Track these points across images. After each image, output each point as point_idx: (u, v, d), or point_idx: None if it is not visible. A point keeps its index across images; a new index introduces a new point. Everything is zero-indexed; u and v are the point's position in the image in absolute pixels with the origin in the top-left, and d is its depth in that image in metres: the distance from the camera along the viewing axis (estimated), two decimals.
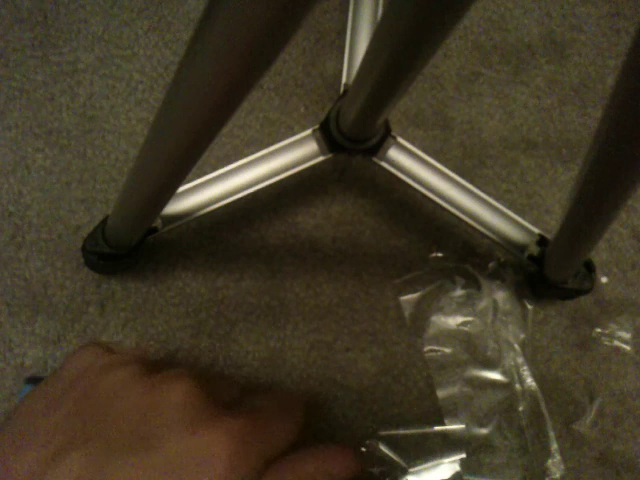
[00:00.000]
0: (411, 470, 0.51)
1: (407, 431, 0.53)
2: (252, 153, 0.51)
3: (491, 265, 0.57)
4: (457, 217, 0.52)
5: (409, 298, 0.56)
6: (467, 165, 0.61)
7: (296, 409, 0.29)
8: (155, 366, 0.27)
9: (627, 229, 0.60)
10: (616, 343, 0.57)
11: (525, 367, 0.55)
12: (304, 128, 0.51)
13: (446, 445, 0.53)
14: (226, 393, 0.27)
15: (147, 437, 0.23)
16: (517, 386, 0.54)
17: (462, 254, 0.58)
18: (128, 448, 0.23)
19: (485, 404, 0.54)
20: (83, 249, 0.52)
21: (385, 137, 0.50)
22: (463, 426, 0.53)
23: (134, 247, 0.50)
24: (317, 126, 0.51)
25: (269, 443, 0.25)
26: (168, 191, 0.41)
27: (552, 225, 0.59)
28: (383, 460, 0.52)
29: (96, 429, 0.23)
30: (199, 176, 0.50)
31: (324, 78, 0.62)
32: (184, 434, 0.23)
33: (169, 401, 0.24)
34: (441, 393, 0.54)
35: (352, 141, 0.50)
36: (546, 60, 0.65)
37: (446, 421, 0.53)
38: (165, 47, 0.61)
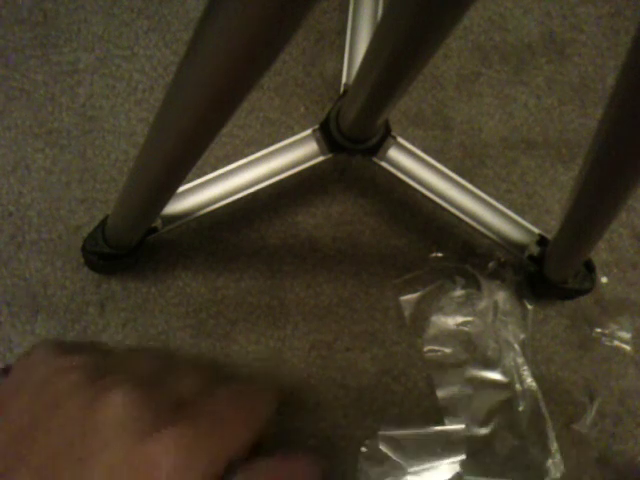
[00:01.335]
0: (411, 470, 0.51)
1: (407, 431, 0.52)
2: (252, 153, 0.51)
3: (491, 265, 0.57)
4: (457, 217, 0.52)
5: (409, 298, 0.56)
6: (467, 165, 0.61)
7: (259, 403, 0.27)
8: (101, 369, 0.25)
9: (627, 229, 0.60)
10: (616, 343, 0.57)
11: (525, 367, 0.55)
12: (304, 128, 0.51)
13: (446, 445, 0.53)
14: (182, 390, 0.25)
15: (84, 457, 0.22)
16: (517, 386, 0.54)
17: (462, 254, 0.58)
18: (65, 468, 0.22)
19: (485, 404, 0.54)
20: (83, 249, 0.52)
21: (385, 137, 0.50)
22: (463, 426, 0.53)
23: (134, 247, 0.50)
24: (317, 126, 0.51)
25: (222, 447, 0.23)
26: (168, 191, 0.41)
27: (552, 225, 0.59)
28: (383, 460, 0.52)
29: (36, 446, 0.22)
30: (199, 176, 0.50)
31: (324, 78, 0.62)
32: (122, 450, 0.22)
33: (106, 416, 0.22)
34: (441, 393, 0.54)
35: (352, 141, 0.49)
36: (546, 60, 0.65)
37: (446, 421, 0.53)
38: (165, 47, 0.61)
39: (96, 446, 0.22)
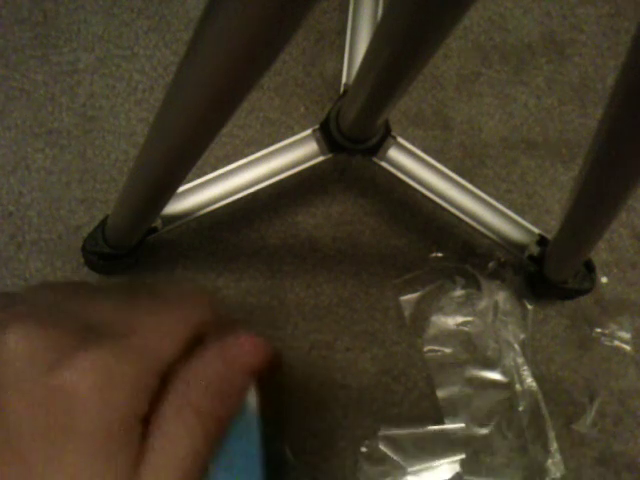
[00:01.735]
0: (411, 470, 0.51)
1: (407, 431, 0.52)
2: (252, 153, 0.51)
3: (491, 265, 0.57)
4: (457, 217, 0.52)
5: (409, 298, 0.56)
6: (467, 165, 0.61)
7: (188, 306, 0.24)
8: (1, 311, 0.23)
9: (627, 229, 0.60)
10: (616, 343, 0.57)
11: (525, 367, 0.55)
12: (304, 128, 0.51)
13: (446, 445, 0.53)
14: (90, 314, 0.23)
15: None
16: (517, 386, 0.54)
17: (462, 254, 0.58)
18: None
19: (485, 404, 0.54)
20: (83, 249, 0.52)
21: (385, 137, 0.50)
22: (463, 426, 0.53)
23: (134, 247, 0.50)
24: (317, 126, 0.51)
25: (148, 360, 0.21)
26: (168, 191, 0.41)
27: (552, 225, 0.59)
28: (383, 460, 0.52)
29: None
30: (199, 176, 0.50)
31: (324, 78, 0.62)
32: (34, 385, 0.20)
33: (7, 356, 0.20)
34: (441, 393, 0.54)
35: (352, 141, 0.49)
36: (546, 60, 0.65)
37: (446, 421, 0.53)
38: (165, 47, 0.61)
39: (4, 388, 0.20)
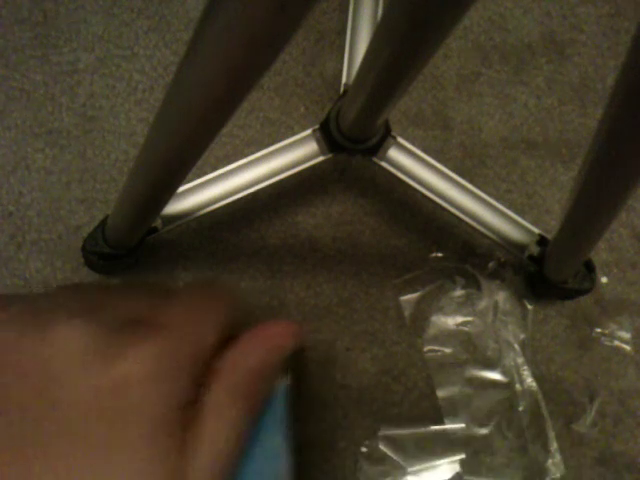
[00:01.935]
0: (411, 470, 0.51)
1: (407, 431, 0.52)
2: (252, 153, 0.51)
3: (491, 265, 0.57)
4: (457, 217, 0.52)
5: (409, 298, 0.56)
6: (467, 165, 0.61)
7: (218, 303, 0.26)
8: (41, 313, 0.23)
9: (627, 229, 0.60)
10: (616, 343, 0.57)
11: (525, 367, 0.55)
12: (304, 128, 0.51)
13: (446, 445, 0.53)
14: (127, 311, 0.24)
15: (56, 401, 0.21)
16: (517, 386, 0.54)
17: (462, 254, 0.58)
18: (41, 418, 0.21)
19: (485, 404, 0.54)
20: (83, 249, 0.52)
21: (385, 137, 0.50)
22: (463, 426, 0.53)
23: (134, 247, 0.50)
24: (317, 126, 0.51)
25: (196, 348, 0.23)
26: (168, 191, 0.41)
27: (552, 225, 0.59)
28: (383, 460, 0.52)
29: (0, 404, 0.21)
30: (199, 176, 0.50)
31: (324, 78, 0.62)
32: (92, 381, 0.21)
33: (62, 356, 0.21)
34: (441, 393, 0.54)
35: (352, 141, 0.49)
36: (546, 60, 0.65)
37: (446, 421, 0.53)
38: (165, 47, 0.61)
39: (64, 387, 0.21)
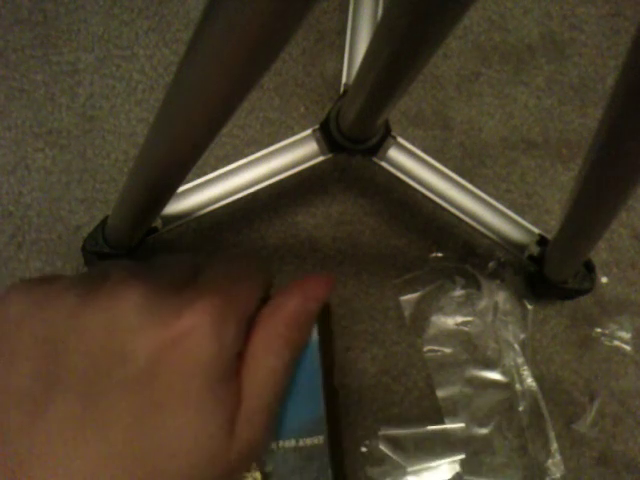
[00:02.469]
0: (411, 470, 0.51)
1: (407, 431, 0.52)
2: (252, 153, 0.51)
3: (491, 265, 0.57)
4: (457, 217, 0.52)
5: (409, 298, 0.56)
6: (467, 165, 0.61)
7: (255, 267, 0.28)
8: (90, 280, 0.25)
9: (627, 229, 0.60)
10: (616, 343, 0.57)
11: (525, 367, 0.55)
12: (304, 128, 0.51)
13: (446, 445, 0.53)
14: (177, 277, 0.26)
15: (120, 353, 0.22)
16: (517, 386, 0.54)
17: (462, 254, 0.58)
18: (102, 373, 0.22)
19: (485, 404, 0.54)
20: (83, 249, 0.52)
21: (385, 137, 0.50)
22: (463, 425, 0.53)
23: (134, 247, 0.50)
24: (317, 126, 0.51)
25: (243, 303, 0.25)
26: (168, 191, 0.41)
27: (552, 225, 0.59)
28: (383, 460, 0.52)
29: (67, 370, 0.22)
30: (199, 176, 0.50)
31: (324, 78, 0.62)
32: (157, 334, 0.22)
33: (126, 310, 0.23)
34: (441, 393, 0.54)
35: (352, 141, 0.49)
36: (546, 60, 0.65)
37: (446, 421, 0.53)
38: (165, 47, 0.61)
39: (126, 343, 0.22)
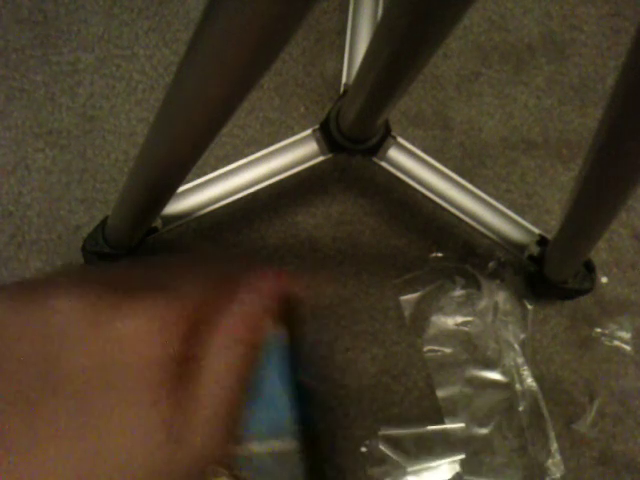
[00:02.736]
0: (411, 470, 0.51)
1: (407, 431, 0.52)
2: (252, 153, 0.51)
3: (491, 265, 0.57)
4: (457, 217, 0.52)
5: (409, 298, 0.56)
6: (467, 165, 0.61)
7: (203, 261, 0.27)
8: (38, 285, 0.24)
9: (627, 229, 0.60)
10: (616, 343, 0.57)
11: (525, 367, 0.55)
12: (304, 128, 0.51)
13: (446, 445, 0.53)
14: (124, 282, 0.25)
15: (52, 358, 0.21)
16: (517, 386, 0.54)
17: (462, 254, 0.58)
18: (39, 377, 0.21)
19: (485, 404, 0.54)
20: (83, 249, 0.52)
21: (385, 137, 0.50)
22: (463, 425, 0.53)
23: (134, 247, 0.50)
24: (317, 126, 0.51)
25: (191, 306, 0.24)
26: (168, 191, 0.41)
27: (552, 225, 0.59)
28: (383, 460, 0.52)
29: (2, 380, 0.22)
30: (199, 176, 0.50)
31: (324, 78, 0.62)
32: (90, 337, 0.22)
33: (62, 313, 0.22)
34: (441, 393, 0.54)
35: (352, 141, 0.49)
36: (546, 60, 0.65)
37: (446, 421, 0.53)
38: (165, 47, 0.61)
39: (63, 347, 0.22)
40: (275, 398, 0.26)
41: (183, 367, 0.23)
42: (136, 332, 0.22)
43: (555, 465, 0.53)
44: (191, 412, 0.22)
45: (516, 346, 0.55)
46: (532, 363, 0.55)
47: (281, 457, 0.26)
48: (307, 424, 0.27)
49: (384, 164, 0.51)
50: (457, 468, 0.52)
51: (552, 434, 0.53)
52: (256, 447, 0.25)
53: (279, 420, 0.26)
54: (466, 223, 0.52)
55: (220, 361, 0.23)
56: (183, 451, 0.22)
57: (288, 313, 0.27)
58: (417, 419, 0.53)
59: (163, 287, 0.24)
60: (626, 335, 0.57)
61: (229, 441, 0.24)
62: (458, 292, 0.56)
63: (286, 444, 0.26)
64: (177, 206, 0.50)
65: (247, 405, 0.24)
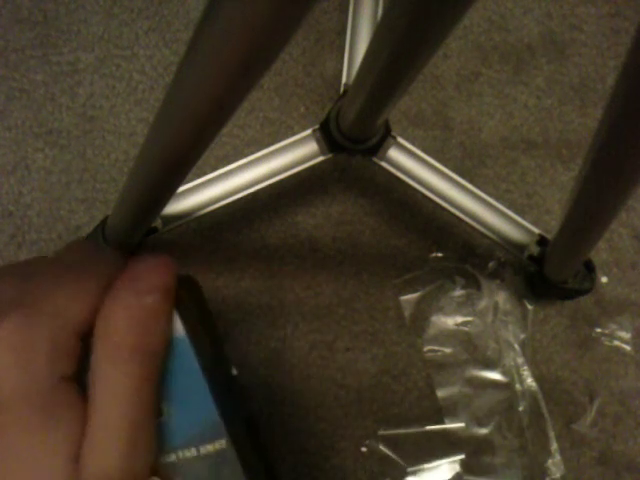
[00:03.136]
0: (411, 470, 0.51)
1: (407, 431, 0.53)
2: (252, 153, 0.51)
3: (491, 265, 0.57)
4: (457, 217, 0.52)
5: (409, 298, 0.56)
6: (467, 165, 0.61)
7: (88, 266, 0.24)
8: None
9: (627, 229, 0.60)
10: (616, 343, 0.57)
11: (525, 367, 0.55)
12: (304, 128, 0.51)
13: (446, 445, 0.53)
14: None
15: None
16: (517, 386, 0.54)
17: (462, 254, 0.58)
18: None
19: (485, 404, 0.54)
20: None
21: (385, 137, 0.50)
22: (463, 426, 0.53)
23: (134, 247, 0.50)
24: (317, 126, 0.51)
25: (61, 318, 0.21)
26: (168, 191, 0.41)
27: (552, 225, 0.59)
28: (383, 460, 0.52)
29: None
30: (199, 176, 0.50)
31: (324, 78, 0.62)
32: None
33: None
34: (441, 393, 0.54)
35: (352, 141, 0.49)
36: (546, 60, 0.65)
37: (446, 421, 0.53)
38: (165, 47, 0.61)
39: None
40: (195, 399, 0.23)
41: (70, 387, 0.21)
42: (10, 353, 0.20)
43: (555, 465, 0.53)
44: (87, 434, 0.21)
45: (516, 346, 0.55)
46: (532, 363, 0.55)
47: (214, 458, 0.24)
48: (237, 416, 0.24)
49: (384, 164, 0.51)
50: (457, 468, 0.52)
51: (552, 434, 0.53)
52: (182, 454, 0.24)
53: (205, 421, 0.24)
54: (466, 223, 0.52)
55: (109, 376, 0.21)
56: (84, 475, 0.20)
57: (182, 302, 0.23)
58: (417, 419, 0.53)
59: (37, 300, 0.22)
60: (626, 335, 0.57)
61: (144, 456, 0.22)
62: (458, 292, 0.56)
63: (215, 444, 0.24)
64: (177, 206, 0.50)
65: (163, 412, 0.22)
